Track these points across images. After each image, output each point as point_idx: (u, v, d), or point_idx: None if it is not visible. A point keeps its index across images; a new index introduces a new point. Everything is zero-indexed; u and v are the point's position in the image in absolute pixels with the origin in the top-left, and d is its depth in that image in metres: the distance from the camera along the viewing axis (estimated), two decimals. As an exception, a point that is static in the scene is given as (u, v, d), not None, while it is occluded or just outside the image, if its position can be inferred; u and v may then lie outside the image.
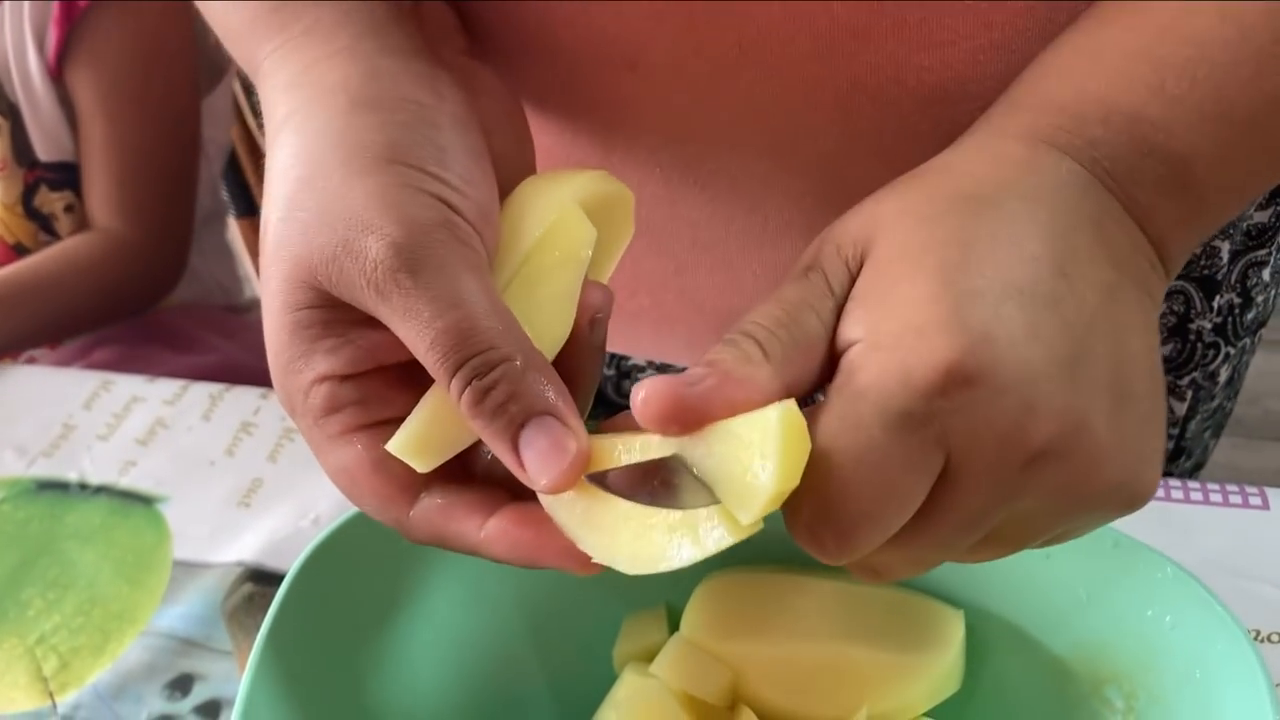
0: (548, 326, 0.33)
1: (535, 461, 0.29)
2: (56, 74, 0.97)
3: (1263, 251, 0.62)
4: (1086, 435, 0.29)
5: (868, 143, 0.43)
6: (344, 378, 0.32)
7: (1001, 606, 0.44)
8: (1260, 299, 0.64)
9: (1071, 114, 0.33)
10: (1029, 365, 0.28)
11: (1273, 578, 0.55)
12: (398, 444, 0.31)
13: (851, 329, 0.30)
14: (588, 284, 0.33)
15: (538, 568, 0.31)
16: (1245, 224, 0.60)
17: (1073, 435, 0.28)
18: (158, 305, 1.06)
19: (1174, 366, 0.64)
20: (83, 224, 1.02)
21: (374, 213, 0.30)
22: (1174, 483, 0.59)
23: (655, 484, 0.29)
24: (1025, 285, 0.29)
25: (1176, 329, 0.62)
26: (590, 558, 0.30)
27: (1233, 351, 0.65)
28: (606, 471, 0.29)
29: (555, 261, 0.34)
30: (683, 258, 0.50)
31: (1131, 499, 0.31)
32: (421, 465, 0.32)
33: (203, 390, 0.73)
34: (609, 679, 0.44)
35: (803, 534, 0.29)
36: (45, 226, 1.02)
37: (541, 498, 0.30)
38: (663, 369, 0.68)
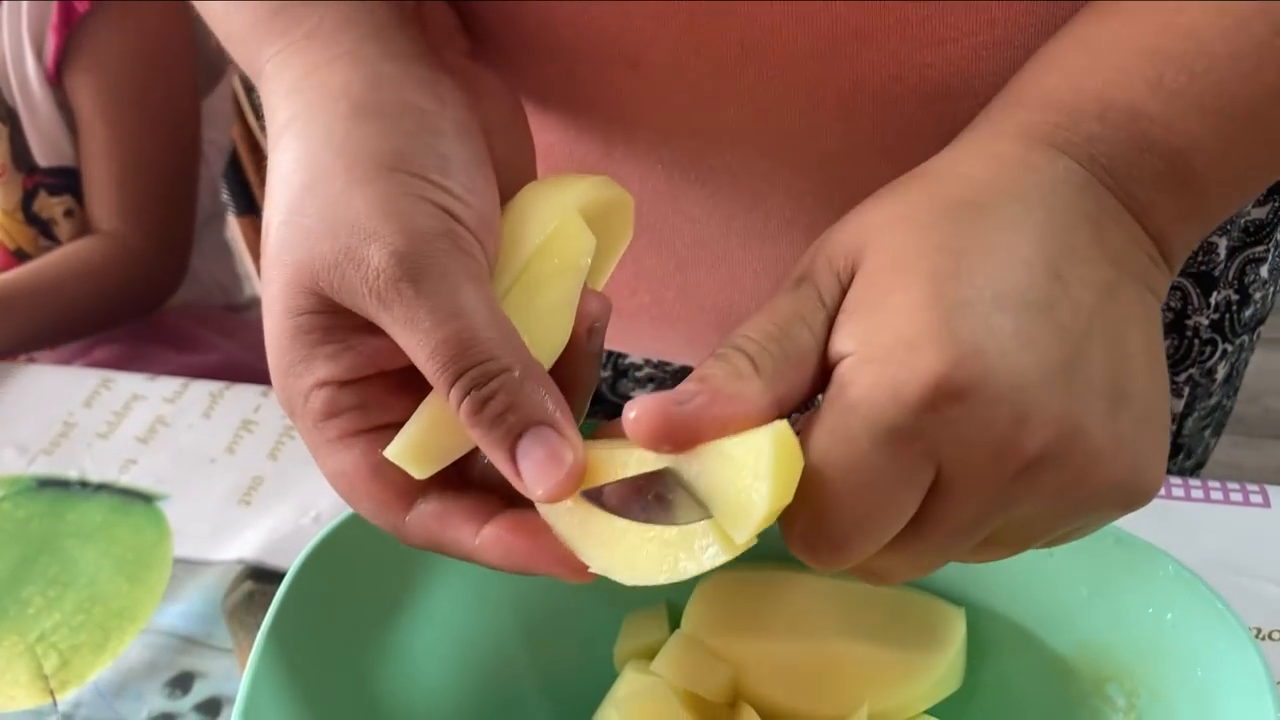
0: (546, 335, 0.33)
1: (532, 471, 0.30)
2: (55, 80, 0.97)
3: (1260, 248, 0.61)
4: (1082, 439, 0.29)
5: (870, 140, 0.43)
6: (343, 383, 0.32)
7: (1003, 604, 0.44)
8: (1258, 296, 0.64)
9: (1068, 111, 0.33)
10: (1020, 375, 0.28)
11: (1274, 575, 0.55)
12: (395, 450, 0.32)
13: (843, 341, 0.30)
14: (586, 293, 0.34)
15: (531, 575, 0.31)
16: (1243, 220, 0.60)
17: (1068, 440, 0.28)
18: (160, 309, 1.06)
19: (1171, 363, 0.64)
20: (82, 229, 1.02)
21: (377, 221, 0.31)
22: (1175, 481, 0.60)
23: (649, 498, 0.29)
24: (1018, 292, 0.29)
25: (1173, 325, 0.62)
26: (586, 566, 0.30)
27: (1230, 348, 0.65)
28: (602, 487, 0.30)
29: (554, 269, 0.34)
30: (683, 255, 0.50)
31: (1133, 497, 0.31)
32: (418, 472, 0.32)
33: (203, 388, 0.73)
34: (610, 677, 0.44)
35: (797, 543, 0.30)
36: (45, 231, 1.02)
37: (540, 507, 0.31)
38: (662, 366, 0.68)
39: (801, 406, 0.31)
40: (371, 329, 0.31)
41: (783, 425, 0.28)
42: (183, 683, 0.57)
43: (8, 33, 0.95)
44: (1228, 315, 0.63)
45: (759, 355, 0.30)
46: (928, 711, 0.42)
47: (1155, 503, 0.59)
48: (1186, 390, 0.65)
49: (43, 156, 0.99)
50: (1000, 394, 0.28)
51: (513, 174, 0.37)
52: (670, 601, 0.46)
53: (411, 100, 0.34)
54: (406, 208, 0.31)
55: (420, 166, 0.32)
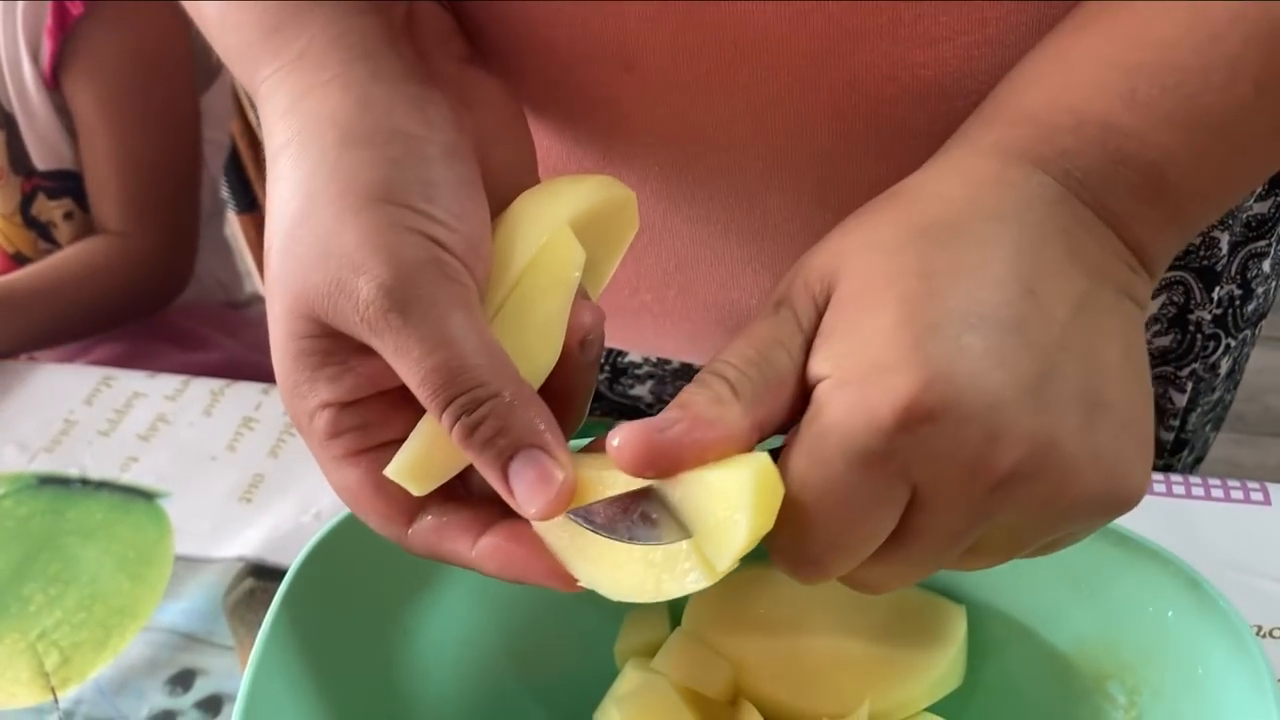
0: (537, 351, 0.34)
1: (524, 492, 0.31)
2: (52, 83, 0.96)
3: (1262, 243, 0.61)
4: (1055, 453, 0.29)
5: (864, 140, 0.43)
6: (345, 404, 0.33)
7: (1003, 602, 0.44)
8: (1260, 290, 0.64)
9: (1043, 125, 0.33)
10: (991, 394, 0.29)
11: (1275, 573, 0.55)
12: (395, 469, 0.33)
13: (819, 365, 0.31)
14: (579, 305, 0.34)
15: (526, 584, 0.32)
16: (1245, 215, 0.60)
17: (1041, 455, 0.29)
18: (167, 308, 1.06)
19: (1174, 358, 0.64)
20: (83, 231, 1.01)
21: (364, 253, 0.31)
22: (1175, 478, 0.60)
23: (636, 517, 0.30)
24: (988, 312, 0.29)
25: (1176, 320, 0.62)
26: (576, 579, 0.31)
27: (1233, 343, 0.65)
28: (590, 505, 0.31)
29: (545, 284, 0.35)
30: (683, 254, 0.50)
31: (1114, 506, 0.31)
32: (417, 489, 0.33)
33: (204, 386, 0.73)
34: (611, 674, 0.44)
35: (778, 559, 0.32)
36: (44, 235, 1.02)
37: (533, 522, 0.32)
38: (662, 365, 0.68)
39: (782, 429, 0.32)
40: (369, 351, 0.32)
41: (764, 458, 0.29)
42: (184, 680, 0.57)
43: (3, 36, 0.95)
44: (1230, 310, 0.63)
45: (739, 381, 0.31)
46: (929, 709, 0.42)
47: (1156, 500, 0.59)
48: (1189, 385, 0.65)
49: (41, 160, 0.99)
50: (971, 413, 0.28)
51: (512, 178, 0.37)
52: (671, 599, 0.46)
53: (399, 126, 0.34)
54: (393, 239, 0.32)
55: (406, 196, 0.33)
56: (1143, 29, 0.34)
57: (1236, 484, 0.59)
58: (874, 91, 0.41)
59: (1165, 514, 0.57)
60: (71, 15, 0.94)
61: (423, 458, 0.33)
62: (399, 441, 0.33)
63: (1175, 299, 0.62)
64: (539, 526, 0.32)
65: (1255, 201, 0.60)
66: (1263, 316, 0.66)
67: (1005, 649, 0.44)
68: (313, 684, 0.41)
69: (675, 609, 0.46)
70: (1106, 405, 0.30)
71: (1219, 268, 0.61)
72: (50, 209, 1.01)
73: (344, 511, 0.43)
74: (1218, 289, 0.61)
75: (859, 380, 0.29)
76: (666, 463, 0.29)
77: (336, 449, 0.34)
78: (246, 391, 0.72)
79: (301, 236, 0.33)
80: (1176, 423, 0.67)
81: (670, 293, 0.52)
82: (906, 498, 0.30)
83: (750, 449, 0.31)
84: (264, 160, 0.37)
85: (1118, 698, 0.42)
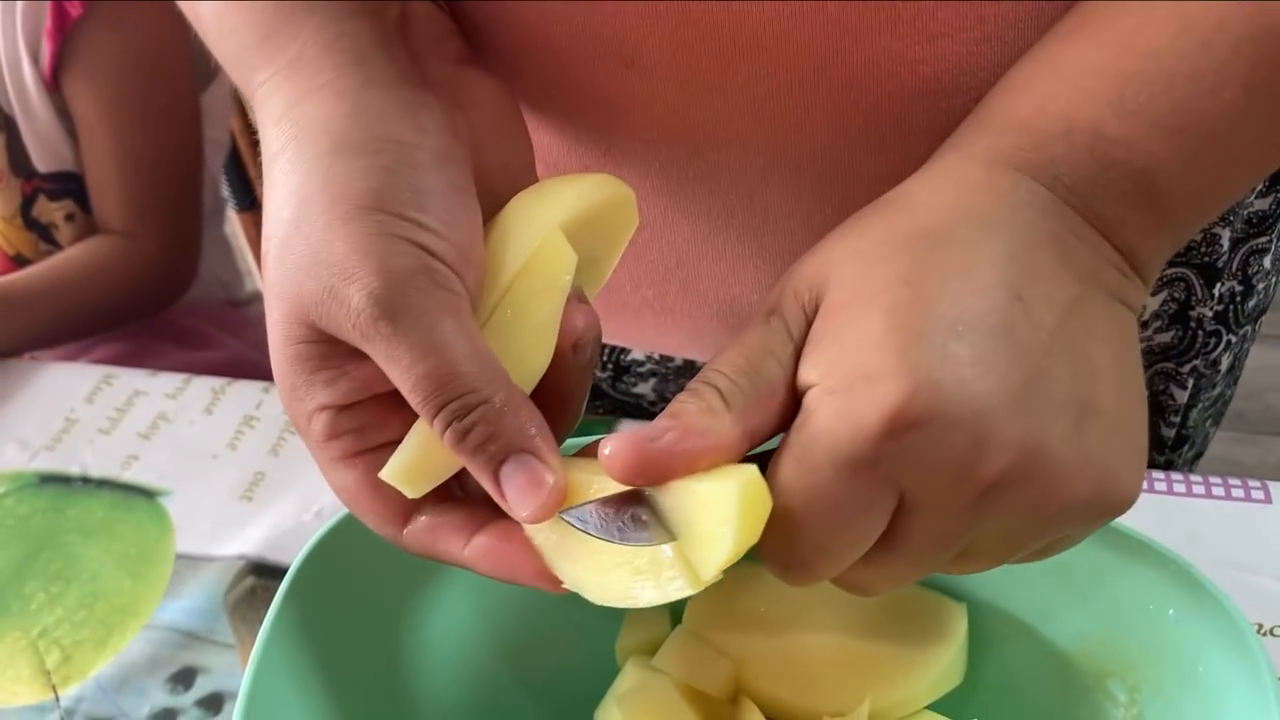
0: (529, 356, 0.34)
1: (515, 496, 0.31)
2: (52, 85, 0.96)
3: (1263, 239, 0.62)
4: (1043, 458, 0.29)
5: (863, 136, 0.43)
6: (342, 407, 0.34)
7: (1004, 599, 0.44)
8: (1261, 286, 0.64)
9: (1033, 133, 0.33)
10: (977, 400, 0.29)
11: (1275, 571, 0.55)
12: (390, 472, 0.33)
13: (808, 372, 0.31)
14: (572, 309, 0.34)
15: (515, 584, 0.33)
16: (1245, 211, 0.60)
17: (1029, 461, 0.29)
18: (171, 308, 1.06)
19: (1175, 354, 0.64)
20: (84, 232, 1.01)
21: (354, 262, 0.32)
22: (1176, 476, 0.60)
23: (626, 519, 0.30)
24: (975, 319, 0.30)
25: (1177, 316, 0.62)
26: (561, 582, 0.32)
27: (1234, 339, 0.65)
28: (582, 505, 0.31)
29: (537, 289, 0.35)
30: (684, 250, 0.50)
31: (1106, 510, 0.32)
32: (411, 492, 0.33)
33: (205, 384, 0.73)
34: (612, 672, 0.44)
35: (768, 562, 0.32)
36: (45, 236, 1.02)
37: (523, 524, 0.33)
38: (664, 362, 0.68)
39: (773, 437, 0.32)
40: (365, 355, 0.33)
41: (752, 470, 0.30)
42: (185, 678, 0.57)
43: (3, 38, 0.95)
44: (1231, 306, 0.63)
45: (729, 390, 0.31)
46: (929, 707, 0.42)
47: (1156, 498, 0.59)
48: (1190, 382, 0.65)
49: (41, 162, 0.99)
50: (957, 420, 0.29)
51: (509, 179, 0.37)
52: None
53: (391, 133, 0.34)
54: (383, 247, 0.32)
55: (397, 204, 0.33)
56: (1132, 36, 0.34)
57: (1237, 482, 0.59)
58: (873, 88, 0.41)
59: (1165, 512, 0.57)
60: (71, 16, 0.94)
61: (417, 461, 0.33)
62: (395, 443, 0.33)
63: (1176, 295, 0.62)
64: (529, 528, 0.32)
65: (1256, 198, 0.60)
66: (1263, 312, 0.66)
67: (1006, 647, 0.44)
68: (314, 682, 0.41)
69: (676, 607, 0.46)
70: (1097, 410, 0.30)
71: (1220, 264, 0.61)
72: (51, 210, 1.01)
73: (344, 510, 0.43)
74: (1219, 285, 0.61)
75: (846, 388, 0.30)
76: (657, 472, 0.30)
77: (334, 451, 0.34)
78: (247, 390, 0.72)
79: (295, 245, 0.33)
80: (1178, 419, 0.68)
81: (672, 289, 0.52)
82: (894, 503, 0.30)
83: (741, 458, 0.31)
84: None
85: (1118, 695, 0.42)
